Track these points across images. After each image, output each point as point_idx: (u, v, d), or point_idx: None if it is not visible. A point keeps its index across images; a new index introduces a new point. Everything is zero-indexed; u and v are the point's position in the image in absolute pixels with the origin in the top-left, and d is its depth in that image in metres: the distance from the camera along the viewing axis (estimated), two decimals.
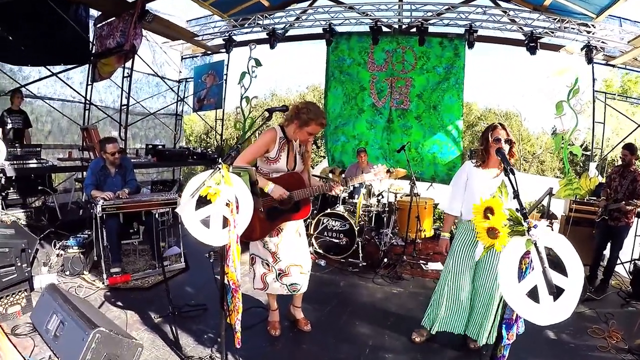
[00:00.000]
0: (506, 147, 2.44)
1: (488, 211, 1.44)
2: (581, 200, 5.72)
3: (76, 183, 6.23)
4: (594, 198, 5.83)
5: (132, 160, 6.16)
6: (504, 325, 1.58)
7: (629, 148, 4.58)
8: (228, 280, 1.70)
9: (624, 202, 4.20)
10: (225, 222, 1.67)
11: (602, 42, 6.04)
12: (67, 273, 3.55)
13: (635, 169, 4.51)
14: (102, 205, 3.43)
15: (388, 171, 2.60)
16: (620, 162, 4.89)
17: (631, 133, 6.80)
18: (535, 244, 1.34)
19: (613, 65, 6.66)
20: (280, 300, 2.89)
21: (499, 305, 2.57)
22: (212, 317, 2.93)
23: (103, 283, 3.40)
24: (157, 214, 3.68)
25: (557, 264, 1.44)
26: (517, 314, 1.54)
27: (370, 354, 2.71)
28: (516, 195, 1.52)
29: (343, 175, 6.05)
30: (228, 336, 2.07)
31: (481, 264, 2.62)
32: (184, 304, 3.02)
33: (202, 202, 1.63)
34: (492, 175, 2.54)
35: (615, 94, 8.79)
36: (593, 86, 6.75)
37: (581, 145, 6.30)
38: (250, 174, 1.76)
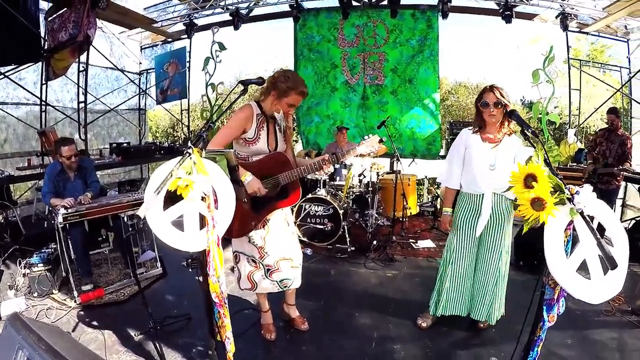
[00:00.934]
0: (497, 112, 2.24)
1: (530, 179, 1.20)
2: (564, 167, 5.70)
3: (38, 193, 5.71)
4: (575, 164, 5.85)
5: (96, 161, 5.72)
6: (544, 307, 1.38)
7: (614, 112, 4.56)
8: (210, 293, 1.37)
9: (615, 167, 4.19)
10: (203, 222, 1.34)
11: (577, 10, 5.97)
12: (35, 295, 3.15)
13: (623, 132, 4.50)
14: (63, 215, 3.04)
15: (381, 140, 2.27)
16: (600, 128, 4.88)
17: (609, 98, 6.83)
18: (581, 213, 1.13)
19: (587, 33, 6.63)
20: (271, 299, 2.62)
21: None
22: (198, 327, 2.63)
23: (75, 302, 3.04)
24: (125, 218, 3.30)
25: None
26: (558, 294, 1.34)
27: (377, 346, 2.51)
28: (545, 161, 1.28)
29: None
30: (219, 349, 1.78)
31: (484, 239, 2.48)
32: (165, 316, 2.70)
33: (171, 198, 1.30)
34: (491, 145, 2.36)
35: (589, 61, 8.85)
36: (568, 53, 6.72)
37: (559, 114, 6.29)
38: (228, 158, 1.41)
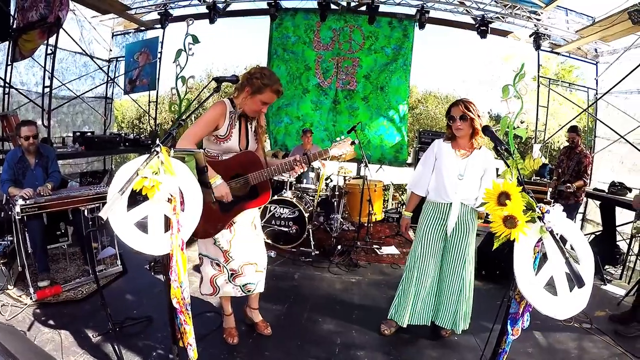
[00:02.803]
0: (464, 125, 2.30)
1: (503, 196, 1.23)
2: (529, 181, 5.93)
3: None
4: (539, 178, 6.10)
5: (58, 150, 5.43)
6: (508, 320, 1.41)
7: (575, 130, 4.77)
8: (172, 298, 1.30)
9: (566, 184, 4.41)
10: (168, 224, 1.28)
11: (550, 30, 6.25)
12: None
13: (581, 149, 4.70)
14: (21, 206, 2.86)
15: (352, 143, 2.23)
16: (565, 144, 5.09)
17: (576, 117, 7.18)
18: (551, 232, 1.17)
19: (558, 53, 6.95)
20: (234, 302, 2.56)
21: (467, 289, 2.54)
22: (158, 330, 2.53)
23: (31, 298, 2.86)
24: (86, 211, 3.15)
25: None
26: (523, 308, 1.38)
27: (341, 353, 2.50)
28: (518, 179, 1.32)
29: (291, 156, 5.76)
30: (181, 355, 1.71)
31: (448, 248, 2.53)
32: (125, 317, 2.58)
33: (136, 198, 1.24)
34: (461, 156, 2.42)
35: (558, 80, 9.28)
36: (538, 72, 7.01)
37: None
38: (197, 159, 1.35)
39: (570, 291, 1.25)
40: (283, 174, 2.24)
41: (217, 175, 2.02)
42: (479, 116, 2.31)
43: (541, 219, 1.21)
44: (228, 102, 2.17)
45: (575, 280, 1.14)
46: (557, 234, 1.21)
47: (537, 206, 1.22)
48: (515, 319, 1.40)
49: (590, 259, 1.28)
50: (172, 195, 1.24)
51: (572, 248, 1.36)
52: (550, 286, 1.28)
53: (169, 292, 1.33)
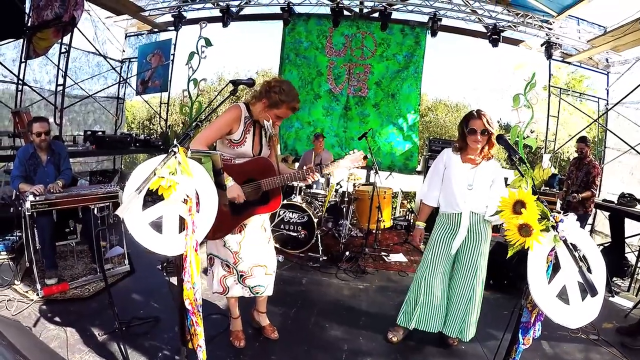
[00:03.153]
0: (483, 139, 2.29)
1: (519, 205, 1.22)
2: (538, 191, 5.87)
3: (7, 175, 5.39)
4: (548, 188, 6.04)
5: (69, 148, 5.48)
6: (520, 330, 1.40)
7: (584, 141, 4.73)
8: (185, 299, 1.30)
9: (572, 195, 4.35)
10: (182, 225, 1.28)
11: (562, 40, 6.22)
12: None
13: (590, 160, 4.66)
14: (31, 202, 2.88)
15: (365, 157, 2.24)
16: (575, 155, 5.04)
17: (587, 127, 7.12)
18: (564, 241, 1.15)
19: (569, 63, 6.92)
20: (241, 305, 2.55)
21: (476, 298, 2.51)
22: (165, 330, 2.53)
23: (37, 294, 2.87)
24: (95, 210, 3.16)
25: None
26: (535, 317, 1.36)
27: (348, 359, 2.47)
28: (533, 188, 1.30)
29: (301, 164, 5.76)
30: (190, 357, 1.71)
31: (460, 257, 2.51)
32: (132, 316, 2.58)
33: (152, 198, 1.24)
34: (470, 166, 2.41)
35: (569, 90, 9.23)
36: (549, 81, 6.98)
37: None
38: (214, 160, 1.35)
39: (583, 300, 1.24)
40: (294, 182, 2.23)
41: (229, 177, 2.03)
42: (495, 130, 2.31)
43: (555, 228, 1.20)
44: (244, 106, 2.18)
45: (588, 289, 1.13)
46: (570, 244, 1.20)
47: (551, 215, 1.21)
48: (527, 328, 1.39)
49: (602, 268, 1.27)
50: (188, 196, 1.25)
51: (584, 257, 1.34)
52: (562, 295, 1.27)
53: (182, 292, 1.33)
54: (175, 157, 1.21)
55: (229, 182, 2.01)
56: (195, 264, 1.30)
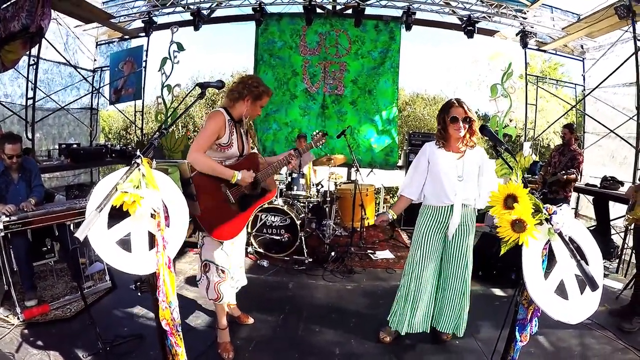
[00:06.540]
0: (465, 127, 2.27)
1: (510, 199, 1.17)
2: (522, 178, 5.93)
3: None
4: (529, 176, 6.09)
5: (44, 163, 5.30)
6: (517, 327, 1.36)
7: (569, 127, 4.77)
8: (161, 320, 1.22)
9: (562, 172, 4.34)
10: (152, 242, 1.20)
11: (536, 28, 6.29)
12: None
13: (575, 148, 4.70)
14: (4, 222, 2.75)
15: (325, 134, 2.66)
16: (559, 142, 5.09)
17: (565, 113, 7.23)
18: (559, 233, 1.11)
19: (545, 51, 7.01)
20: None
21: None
22: (150, 347, 2.43)
23: (18, 318, 2.75)
24: (72, 226, 3.04)
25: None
26: (531, 314, 1.32)
27: None
28: (523, 179, 1.27)
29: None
30: None
31: (449, 251, 2.47)
32: (116, 335, 2.48)
33: (117, 214, 1.16)
34: (457, 155, 2.37)
35: (546, 77, 9.36)
36: (526, 70, 7.06)
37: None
38: (181, 170, 1.27)
39: (581, 294, 1.20)
40: (282, 169, 2.69)
41: (234, 171, 2.23)
42: (475, 118, 2.29)
43: (549, 220, 1.16)
44: (224, 111, 2.30)
45: (588, 283, 1.09)
46: (565, 236, 1.16)
47: (544, 207, 1.17)
48: (524, 324, 1.35)
49: (599, 259, 1.23)
50: (155, 211, 1.17)
51: (579, 248, 1.31)
52: (559, 290, 1.23)
53: (157, 313, 1.25)
54: (139, 169, 1.12)
55: (238, 175, 2.22)
56: (170, 282, 1.23)
